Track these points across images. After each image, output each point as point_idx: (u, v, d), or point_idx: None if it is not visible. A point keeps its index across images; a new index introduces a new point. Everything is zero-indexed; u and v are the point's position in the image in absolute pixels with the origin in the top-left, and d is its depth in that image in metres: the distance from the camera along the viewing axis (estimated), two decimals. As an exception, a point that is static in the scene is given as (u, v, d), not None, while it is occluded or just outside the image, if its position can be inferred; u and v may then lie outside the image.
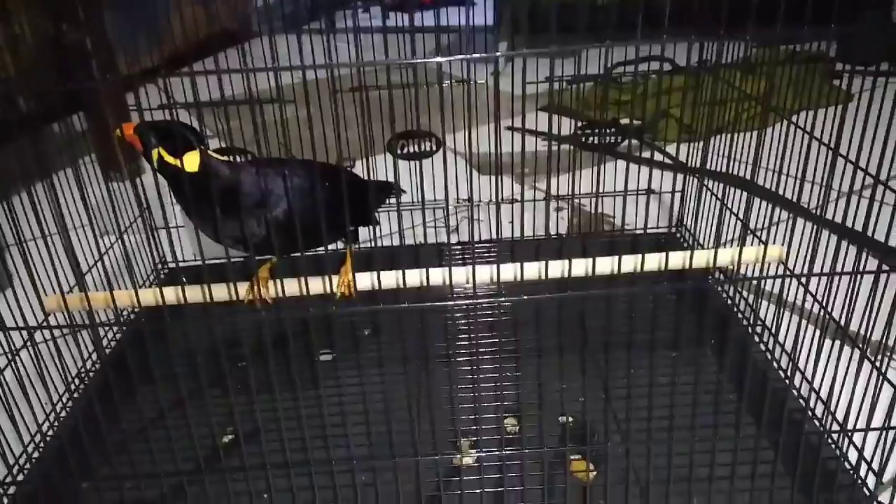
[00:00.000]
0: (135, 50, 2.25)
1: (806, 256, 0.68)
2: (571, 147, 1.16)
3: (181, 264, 1.19)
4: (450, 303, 0.69)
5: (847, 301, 0.72)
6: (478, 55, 0.60)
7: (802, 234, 0.72)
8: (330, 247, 0.77)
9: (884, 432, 0.69)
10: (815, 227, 0.64)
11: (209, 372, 0.92)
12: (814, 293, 0.82)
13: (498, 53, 0.59)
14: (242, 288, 0.83)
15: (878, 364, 0.69)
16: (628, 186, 1.04)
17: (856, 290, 0.70)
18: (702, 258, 0.80)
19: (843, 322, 0.72)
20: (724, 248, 0.80)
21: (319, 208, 0.75)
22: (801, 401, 0.80)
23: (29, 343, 0.81)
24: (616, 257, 0.77)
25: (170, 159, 0.74)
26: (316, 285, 0.74)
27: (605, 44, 0.64)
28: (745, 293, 1.01)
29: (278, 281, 0.78)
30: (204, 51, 0.98)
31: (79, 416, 0.88)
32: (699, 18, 0.89)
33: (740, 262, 0.80)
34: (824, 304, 0.77)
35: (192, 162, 0.74)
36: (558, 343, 0.98)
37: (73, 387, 0.92)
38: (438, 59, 0.59)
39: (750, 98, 1.06)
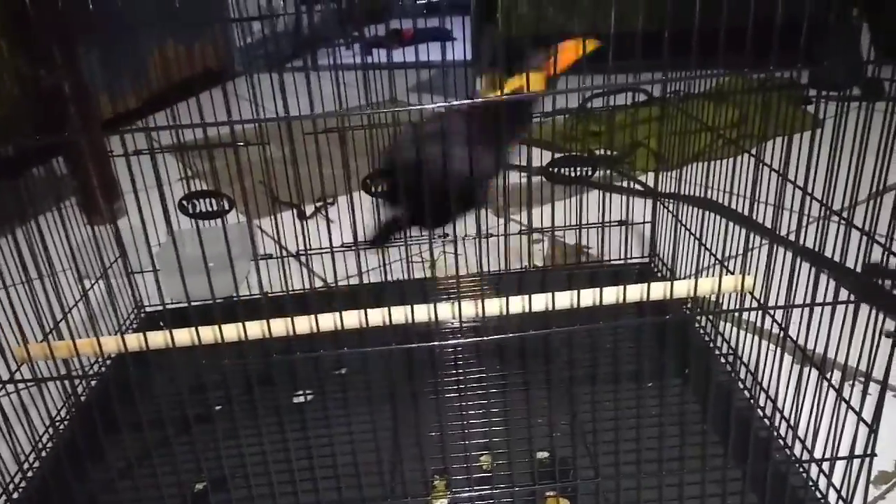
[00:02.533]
0: (117, 91, 2.27)
1: (767, 285, 0.69)
2: (542, 179, 1.17)
3: (153, 308, 1.19)
4: (415, 345, 0.70)
5: (809, 329, 0.73)
6: (456, 103, 0.62)
7: (770, 263, 0.73)
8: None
9: (852, 460, 0.70)
10: (771, 254, 0.65)
11: (188, 419, 0.92)
12: (780, 321, 0.82)
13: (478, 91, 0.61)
14: (203, 331, 0.82)
15: (841, 391, 0.70)
16: (605, 217, 1.06)
17: (819, 318, 0.71)
18: (658, 291, 0.80)
19: (808, 350, 0.73)
20: (679, 281, 0.81)
21: None
22: (772, 430, 0.80)
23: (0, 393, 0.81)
24: (591, 290, 0.78)
25: None
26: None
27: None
28: (712, 323, 1.02)
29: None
30: (186, 90, 0.99)
31: (49, 469, 0.87)
32: (670, 49, 0.91)
33: (716, 293, 0.80)
34: (788, 333, 0.77)
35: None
36: (534, 378, 0.98)
37: (43, 439, 0.92)
38: (420, 105, 0.61)
39: (710, 129, 1.08)
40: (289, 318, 0.74)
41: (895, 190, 0.62)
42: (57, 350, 0.71)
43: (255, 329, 0.72)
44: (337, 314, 0.69)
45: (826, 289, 0.69)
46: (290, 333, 0.77)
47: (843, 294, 0.68)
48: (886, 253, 0.63)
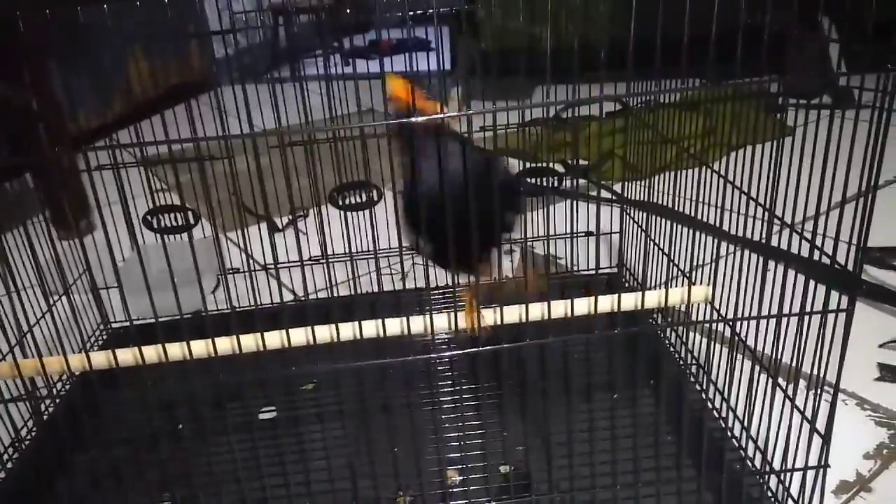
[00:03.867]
0: (87, 107, 2.25)
1: (733, 296, 0.69)
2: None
3: (118, 324, 1.18)
4: (387, 360, 0.69)
5: (763, 337, 0.73)
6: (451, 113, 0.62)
7: (735, 272, 0.73)
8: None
9: (811, 471, 0.70)
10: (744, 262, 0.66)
11: (154, 436, 0.91)
12: (741, 331, 0.83)
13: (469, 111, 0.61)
14: (171, 348, 0.81)
15: (794, 399, 0.70)
16: (575, 227, 1.06)
17: (775, 327, 0.71)
18: (629, 301, 0.80)
19: (766, 358, 0.73)
20: (650, 291, 0.82)
21: None
22: (728, 439, 0.80)
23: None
24: (546, 303, 0.78)
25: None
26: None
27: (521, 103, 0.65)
28: (681, 332, 1.02)
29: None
30: (160, 103, 0.99)
31: (11, 486, 0.86)
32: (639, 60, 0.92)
33: (667, 304, 0.81)
34: (743, 340, 0.78)
35: None
36: (496, 392, 0.98)
37: (10, 451, 0.91)
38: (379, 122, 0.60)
39: (669, 141, 1.08)
40: (258, 334, 0.73)
41: (854, 201, 0.63)
42: (24, 368, 0.70)
43: (225, 344, 0.71)
44: (308, 329, 0.69)
45: (781, 297, 0.69)
46: (259, 349, 0.77)
47: (797, 306, 0.68)
48: (831, 262, 0.64)
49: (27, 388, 0.81)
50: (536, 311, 0.74)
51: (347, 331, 0.73)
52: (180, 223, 1.18)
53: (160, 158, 1.09)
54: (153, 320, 0.66)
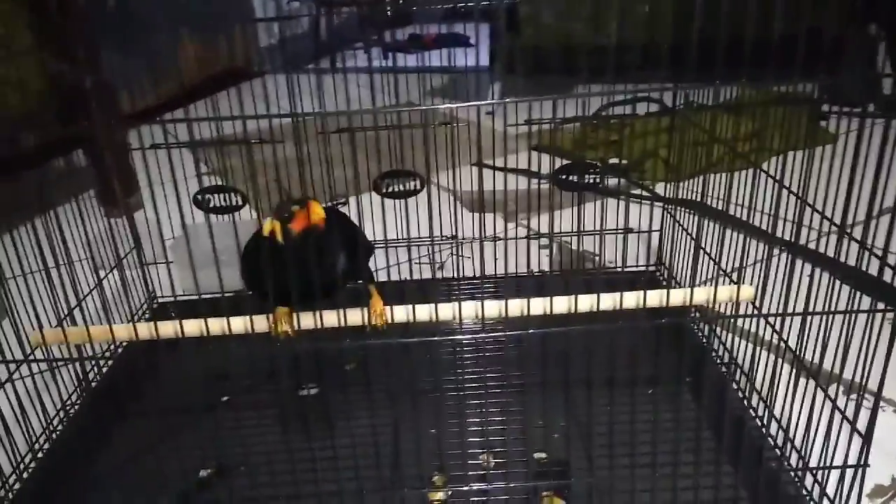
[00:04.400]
0: (138, 88, 2.31)
1: (781, 296, 0.69)
2: (551, 186, 1.19)
3: (164, 299, 1.22)
4: (437, 338, 0.72)
5: (818, 341, 0.73)
6: (486, 101, 0.64)
7: (776, 274, 0.74)
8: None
9: (848, 470, 0.70)
10: (790, 264, 0.66)
11: (188, 407, 0.94)
12: (784, 333, 0.83)
13: (497, 100, 0.62)
14: (236, 321, 0.84)
15: (836, 401, 0.71)
16: (612, 225, 1.07)
17: (817, 328, 0.72)
18: (678, 297, 0.81)
19: (815, 361, 0.73)
20: (699, 288, 0.82)
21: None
22: (766, 436, 0.81)
23: (15, 376, 0.84)
24: (595, 295, 0.79)
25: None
26: (331, 318, 0.77)
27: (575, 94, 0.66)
28: (719, 332, 1.03)
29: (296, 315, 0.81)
30: (207, 88, 1.02)
31: (58, 451, 0.90)
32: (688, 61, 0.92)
33: (715, 302, 0.81)
34: (786, 342, 0.78)
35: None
36: (537, 379, 0.99)
37: (58, 419, 0.94)
38: (449, 104, 0.63)
39: (718, 141, 1.09)
40: (314, 313, 0.76)
41: None
42: (71, 335, 0.73)
43: (262, 323, 0.74)
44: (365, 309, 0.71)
45: (826, 299, 0.70)
46: (295, 329, 0.80)
47: (842, 305, 0.69)
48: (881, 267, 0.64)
49: (73, 354, 0.84)
50: (585, 302, 0.76)
51: (400, 313, 0.76)
52: (229, 204, 1.20)
53: (209, 140, 1.12)
54: (196, 296, 0.69)
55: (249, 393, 1.03)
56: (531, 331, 0.69)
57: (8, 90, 1.66)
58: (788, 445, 0.79)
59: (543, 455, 0.88)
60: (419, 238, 1.27)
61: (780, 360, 0.76)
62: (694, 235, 1.05)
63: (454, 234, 1.41)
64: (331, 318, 0.75)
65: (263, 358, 1.06)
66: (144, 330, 0.75)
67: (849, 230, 0.68)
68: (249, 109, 0.96)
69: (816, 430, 0.73)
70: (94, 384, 1.03)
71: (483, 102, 0.66)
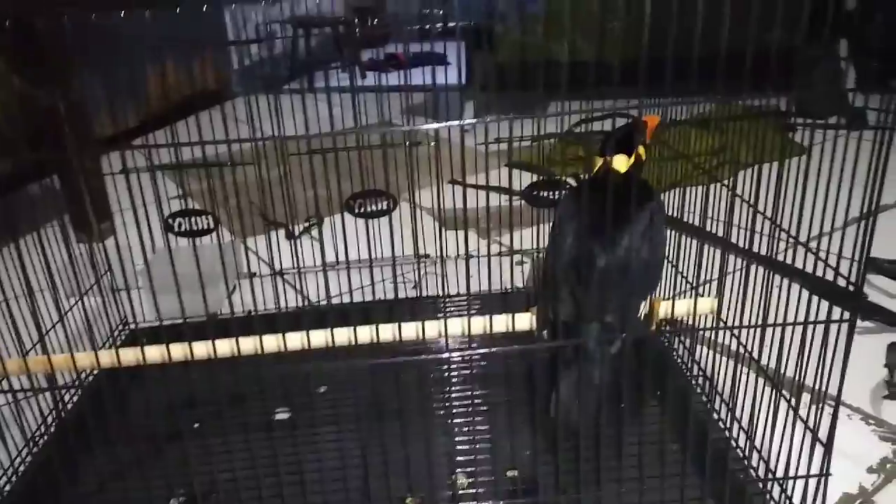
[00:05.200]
0: (115, 110, 2.30)
1: (739, 307, 0.71)
2: (521, 202, 1.20)
3: (143, 325, 1.21)
4: (401, 359, 0.72)
5: (778, 350, 0.75)
6: (468, 120, 0.65)
7: (737, 285, 0.75)
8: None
9: (813, 480, 0.71)
10: (754, 276, 0.68)
11: (159, 434, 0.93)
12: (746, 342, 0.84)
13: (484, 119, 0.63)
14: (198, 346, 0.83)
15: (797, 408, 0.72)
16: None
17: (790, 339, 0.73)
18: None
19: (776, 371, 0.74)
20: (661, 301, 0.84)
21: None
22: (731, 445, 0.82)
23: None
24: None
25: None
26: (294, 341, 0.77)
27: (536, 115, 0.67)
28: (685, 343, 1.04)
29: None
30: (184, 110, 1.02)
31: (34, 477, 0.89)
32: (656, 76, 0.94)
33: (673, 314, 0.83)
34: (748, 350, 0.80)
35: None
36: (507, 398, 0.99)
37: (28, 448, 0.93)
38: (433, 125, 0.64)
39: (682, 157, 1.10)
40: (258, 337, 0.76)
41: (862, 220, 0.64)
42: (33, 365, 0.72)
43: (225, 347, 0.74)
44: (328, 331, 0.72)
45: (786, 310, 0.71)
46: (258, 351, 0.80)
47: (801, 315, 0.70)
48: (835, 276, 0.65)
49: (33, 386, 0.84)
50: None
51: (365, 334, 0.76)
52: (200, 227, 1.20)
53: (177, 164, 1.12)
54: (167, 322, 0.69)
55: (220, 418, 1.02)
56: (494, 349, 0.69)
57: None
58: (754, 454, 0.80)
59: (514, 473, 0.88)
60: (387, 258, 1.27)
61: (743, 369, 0.77)
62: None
63: (426, 252, 1.41)
64: (294, 341, 0.75)
65: (233, 383, 1.05)
66: (106, 358, 0.75)
67: (806, 241, 0.70)
68: (225, 130, 0.96)
69: (781, 439, 0.74)
70: (62, 414, 1.02)
71: (456, 123, 0.67)
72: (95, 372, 1.09)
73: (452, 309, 1.24)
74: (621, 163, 0.84)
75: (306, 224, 1.63)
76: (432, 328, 0.73)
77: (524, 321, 0.76)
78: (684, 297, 1.00)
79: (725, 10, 0.65)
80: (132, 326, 1.22)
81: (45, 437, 0.96)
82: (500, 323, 0.75)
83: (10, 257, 0.74)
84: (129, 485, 0.85)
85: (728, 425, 0.84)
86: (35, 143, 1.66)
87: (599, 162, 0.86)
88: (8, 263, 0.75)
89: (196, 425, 1.02)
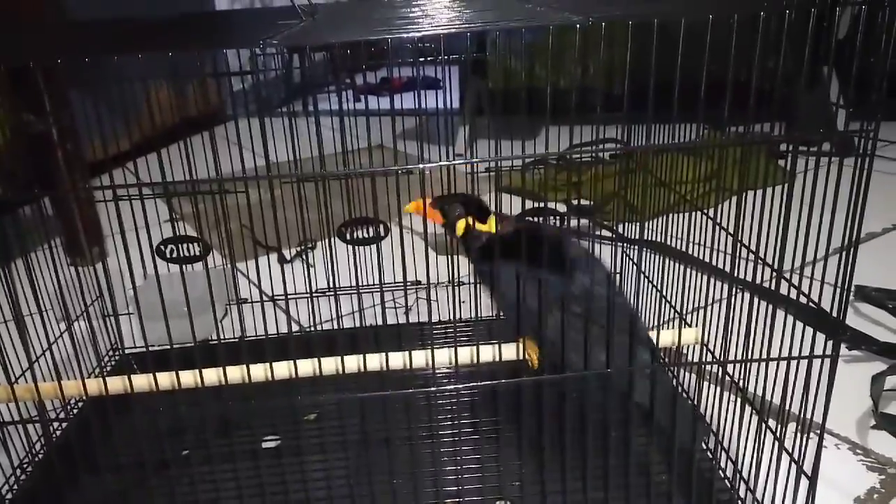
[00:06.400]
0: (104, 136, 2.31)
1: (726, 339, 0.71)
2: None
3: (132, 350, 1.21)
4: (389, 392, 0.72)
5: (762, 380, 0.75)
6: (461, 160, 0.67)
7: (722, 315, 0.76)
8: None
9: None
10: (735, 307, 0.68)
11: (149, 462, 0.93)
12: (732, 374, 0.85)
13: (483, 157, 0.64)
14: (185, 375, 0.84)
15: (782, 438, 0.72)
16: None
17: (775, 370, 0.73)
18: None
19: (762, 401, 0.75)
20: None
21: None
22: (716, 472, 0.82)
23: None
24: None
25: (481, 226, 0.86)
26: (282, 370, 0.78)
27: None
28: (674, 373, 1.04)
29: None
30: (177, 133, 1.02)
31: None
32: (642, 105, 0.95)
33: (658, 344, 0.83)
34: (732, 378, 0.80)
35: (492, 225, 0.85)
36: (496, 427, 1.00)
37: (16, 476, 0.93)
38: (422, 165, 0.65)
39: (664, 185, 1.12)
40: (244, 366, 0.76)
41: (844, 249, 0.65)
42: (21, 392, 0.73)
43: (212, 375, 0.74)
44: (294, 361, 0.72)
45: (770, 339, 0.72)
46: (245, 380, 0.80)
47: (786, 349, 0.71)
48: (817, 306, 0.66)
49: (20, 415, 0.84)
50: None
51: (352, 363, 0.76)
52: (193, 253, 1.21)
53: (170, 191, 1.13)
54: (158, 347, 0.69)
55: (210, 446, 1.02)
56: (483, 383, 0.70)
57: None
58: (739, 481, 0.80)
59: (505, 502, 0.88)
60: (382, 284, 1.28)
61: (730, 397, 0.78)
62: (648, 276, 1.07)
63: (416, 279, 1.42)
64: (282, 370, 0.75)
65: (221, 411, 1.05)
66: (94, 386, 0.75)
67: (790, 270, 0.71)
68: (221, 153, 0.97)
69: (768, 470, 0.74)
70: (51, 440, 1.01)
71: (456, 162, 0.70)
72: (84, 398, 1.08)
73: (442, 336, 1.24)
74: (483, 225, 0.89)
75: (299, 248, 1.64)
76: (419, 358, 0.74)
77: (511, 351, 0.77)
78: (670, 325, 1.01)
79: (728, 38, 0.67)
80: (121, 352, 1.22)
81: (34, 464, 0.96)
82: (487, 353, 0.76)
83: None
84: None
85: (715, 455, 0.84)
86: (27, 169, 1.67)
87: (463, 223, 0.89)
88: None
89: (185, 452, 1.02)
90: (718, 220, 0.81)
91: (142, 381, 0.74)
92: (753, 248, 0.73)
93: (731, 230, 0.80)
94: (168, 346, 0.78)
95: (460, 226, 0.88)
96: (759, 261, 0.72)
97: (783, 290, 0.71)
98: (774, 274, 0.71)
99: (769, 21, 0.67)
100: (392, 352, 0.77)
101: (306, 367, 0.74)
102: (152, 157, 0.98)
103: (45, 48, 0.92)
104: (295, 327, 1.36)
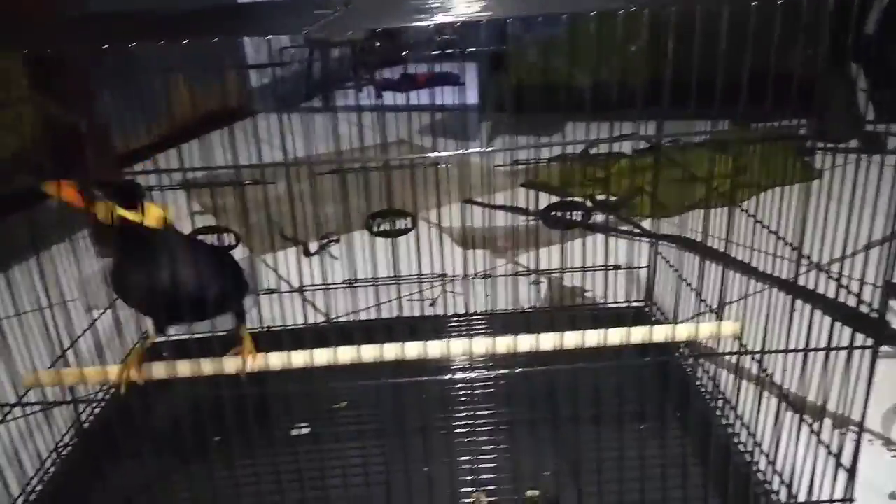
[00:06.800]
0: (132, 128, 2.33)
1: (760, 332, 0.71)
2: (537, 223, 1.20)
3: (160, 339, 1.22)
4: (424, 378, 0.73)
5: (801, 375, 0.75)
6: (475, 150, 0.67)
7: (759, 309, 0.76)
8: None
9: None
10: (773, 300, 0.68)
11: (180, 447, 0.94)
12: (768, 366, 0.85)
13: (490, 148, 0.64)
14: (229, 362, 0.84)
15: (819, 434, 0.72)
16: (600, 261, 1.09)
17: (812, 364, 0.73)
18: (661, 333, 0.83)
19: (791, 393, 0.75)
20: (683, 324, 0.84)
21: (223, 278, 0.81)
22: (753, 470, 0.82)
23: (8, 417, 0.84)
24: (582, 331, 0.80)
25: (124, 212, 0.75)
26: (208, 367, 0.80)
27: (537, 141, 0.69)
28: (707, 367, 1.04)
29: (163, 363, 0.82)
30: (200, 127, 1.03)
31: (56, 488, 0.89)
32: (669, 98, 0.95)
33: (698, 338, 0.83)
34: (769, 376, 0.80)
35: (152, 217, 0.76)
36: (525, 417, 1.00)
37: (49, 461, 0.94)
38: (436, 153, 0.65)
39: (700, 179, 1.11)
40: (287, 353, 0.77)
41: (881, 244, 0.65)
42: (66, 377, 0.74)
43: (257, 361, 0.75)
44: (356, 348, 0.72)
45: (808, 335, 0.71)
46: (285, 366, 0.81)
47: (823, 338, 0.70)
48: (857, 303, 0.66)
49: (66, 396, 0.85)
50: (572, 339, 0.77)
51: (390, 352, 0.77)
52: (222, 244, 1.22)
53: (200, 182, 1.14)
54: (199, 335, 0.71)
55: (241, 433, 1.03)
56: (519, 370, 0.70)
57: (3, 133, 1.68)
58: (776, 479, 0.79)
59: (535, 492, 0.88)
60: (409, 276, 1.28)
61: (765, 394, 0.77)
62: (679, 271, 1.07)
63: (444, 271, 1.42)
64: (320, 357, 0.76)
65: (253, 397, 1.06)
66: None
67: (826, 267, 0.71)
68: (241, 149, 0.98)
69: (804, 464, 0.74)
70: (86, 425, 1.03)
71: (470, 151, 0.69)
72: (113, 387, 1.10)
73: (469, 328, 1.25)
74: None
75: (323, 241, 1.65)
76: (457, 346, 0.74)
77: (548, 341, 0.77)
78: (703, 320, 1.00)
79: (748, 34, 0.66)
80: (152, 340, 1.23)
81: (69, 449, 0.97)
82: (525, 343, 0.76)
83: (27, 271, 0.75)
84: (153, 496, 0.85)
85: (750, 449, 0.84)
86: (58, 160, 1.69)
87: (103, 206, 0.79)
88: (34, 276, 0.76)
89: (217, 438, 1.03)
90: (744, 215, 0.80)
91: (183, 368, 0.75)
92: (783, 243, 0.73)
93: (766, 227, 0.80)
94: (208, 334, 0.80)
95: (100, 210, 0.76)
96: (798, 254, 0.72)
97: (820, 282, 0.71)
98: (813, 268, 0.71)
99: (799, 13, 0.66)
100: (428, 340, 0.77)
101: (347, 354, 0.75)
102: (184, 148, 1.00)
103: (82, 38, 0.93)
104: (321, 318, 1.36)
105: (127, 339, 1.16)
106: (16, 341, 0.85)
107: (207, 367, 0.79)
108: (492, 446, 0.96)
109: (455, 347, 0.74)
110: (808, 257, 0.72)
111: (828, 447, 0.71)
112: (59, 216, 1.19)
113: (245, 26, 0.93)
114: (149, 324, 0.95)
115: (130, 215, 0.75)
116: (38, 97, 1.68)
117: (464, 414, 1.04)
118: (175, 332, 1.21)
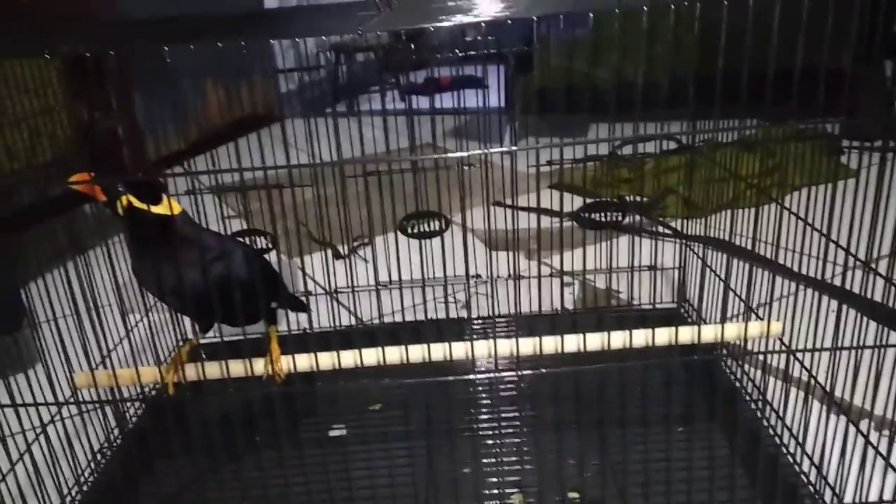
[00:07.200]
0: (163, 134, 2.37)
1: (808, 332, 0.70)
2: (572, 224, 1.20)
3: (201, 341, 1.23)
4: (450, 377, 0.73)
5: (846, 376, 0.74)
6: (498, 149, 0.67)
7: (803, 309, 0.74)
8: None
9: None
10: (816, 300, 0.67)
11: (221, 447, 0.95)
12: (813, 369, 0.84)
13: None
14: (257, 363, 0.86)
15: (868, 436, 0.71)
16: (635, 262, 1.08)
17: (845, 363, 0.72)
18: (709, 333, 0.82)
19: (843, 396, 0.73)
20: (729, 324, 0.83)
21: (255, 278, 0.81)
22: (799, 474, 0.81)
23: (56, 418, 0.85)
24: (626, 332, 0.80)
25: (140, 204, 0.80)
26: (237, 368, 0.81)
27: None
28: (748, 368, 1.03)
29: (199, 364, 0.84)
30: (230, 133, 1.05)
31: (101, 490, 0.91)
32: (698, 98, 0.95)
33: (746, 338, 0.82)
34: (815, 377, 0.79)
35: (166, 207, 0.81)
36: (565, 418, 1.00)
37: (97, 460, 0.96)
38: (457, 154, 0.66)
39: (738, 177, 1.10)
40: (335, 353, 0.78)
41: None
42: (122, 377, 0.75)
43: (304, 361, 0.76)
44: (379, 349, 0.73)
45: (852, 334, 0.71)
46: (313, 368, 0.82)
47: (870, 339, 0.69)
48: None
49: (112, 397, 0.87)
50: (617, 340, 0.77)
51: (417, 353, 0.77)
52: (257, 248, 1.23)
53: (235, 185, 1.15)
54: (233, 338, 0.72)
55: (281, 433, 1.04)
56: (563, 369, 0.70)
57: (41, 140, 1.71)
58: (822, 482, 0.78)
59: (577, 495, 0.88)
60: (443, 277, 1.28)
61: (810, 397, 0.76)
62: (718, 272, 1.06)
63: (477, 273, 1.42)
64: (370, 357, 0.76)
65: (291, 398, 1.07)
66: (191, 372, 0.78)
67: (874, 265, 0.70)
68: (269, 154, 1.00)
69: (850, 466, 0.73)
70: (130, 426, 1.04)
71: (492, 150, 0.69)
72: (157, 386, 1.11)
73: (507, 329, 1.25)
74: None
75: (355, 244, 1.66)
76: (503, 346, 0.74)
77: (572, 343, 0.77)
78: (738, 320, 0.99)
79: (774, 32, 0.66)
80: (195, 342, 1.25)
81: (113, 449, 0.99)
82: (549, 345, 0.76)
83: (59, 275, 0.77)
84: (198, 495, 0.86)
85: (794, 452, 0.83)
86: (94, 166, 1.72)
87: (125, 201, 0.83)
88: (72, 279, 0.78)
89: (258, 438, 1.04)
90: (768, 216, 0.79)
91: (213, 370, 0.77)
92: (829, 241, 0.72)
93: (811, 225, 0.79)
94: (241, 337, 0.81)
95: (120, 204, 0.81)
96: (845, 252, 0.71)
97: (857, 281, 0.70)
98: (850, 265, 0.70)
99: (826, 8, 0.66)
100: (455, 342, 0.78)
101: (393, 354, 0.76)
102: (216, 152, 1.01)
103: (121, 41, 0.95)
104: (354, 320, 1.37)
105: (163, 342, 1.19)
106: (55, 345, 0.86)
107: (258, 366, 0.80)
108: (533, 447, 0.96)
109: (501, 348, 0.75)
110: (854, 255, 0.71)
111: (876, 448, 0.70)
112: (95, 221, 1.21)
113: (282, 30, 0.94)
114: (191, 326, 0.96)
115: (138, 203, 0.80)
116: (75, 103, 1.71)
117: (507, 415, 1.04)
118: (213, 334, 1.23)
